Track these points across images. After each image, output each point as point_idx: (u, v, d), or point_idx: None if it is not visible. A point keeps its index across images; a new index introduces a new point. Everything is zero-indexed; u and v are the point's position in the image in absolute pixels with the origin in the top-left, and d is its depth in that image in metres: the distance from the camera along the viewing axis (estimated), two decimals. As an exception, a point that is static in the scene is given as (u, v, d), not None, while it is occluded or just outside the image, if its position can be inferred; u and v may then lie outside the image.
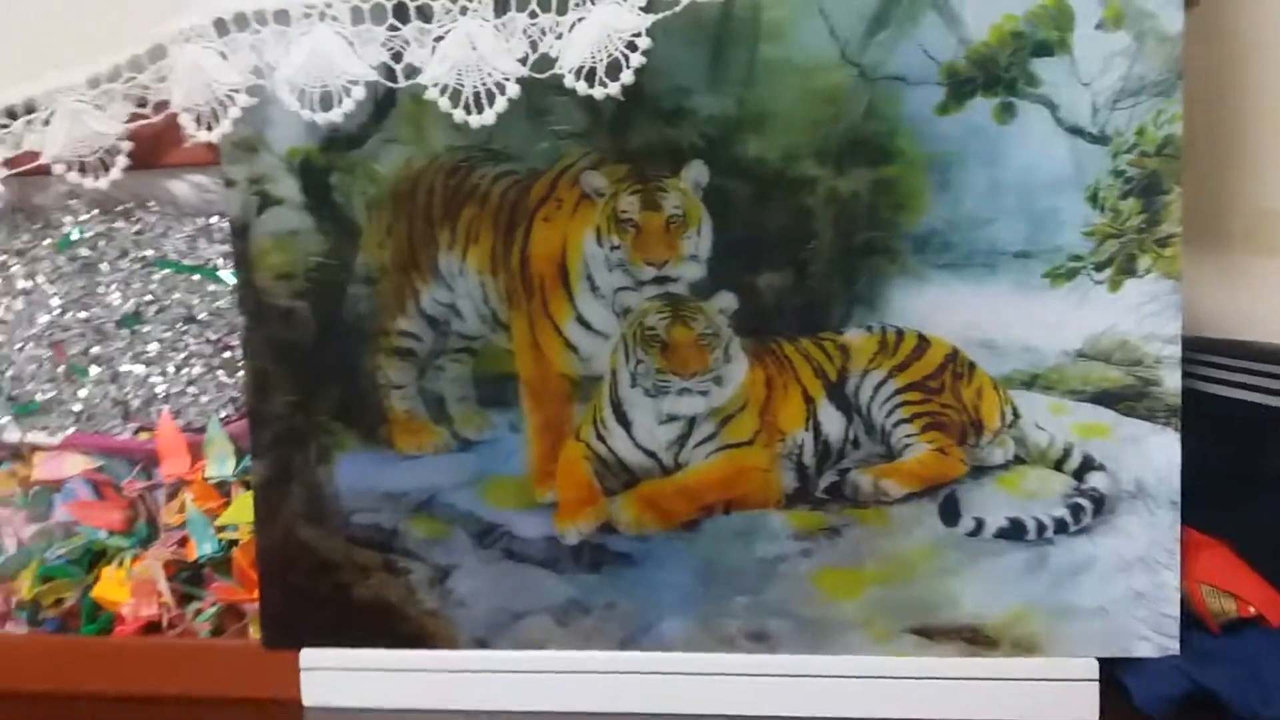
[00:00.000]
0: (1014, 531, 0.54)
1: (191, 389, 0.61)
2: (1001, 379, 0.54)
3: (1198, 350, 0.60)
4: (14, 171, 0.58)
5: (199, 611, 0.63)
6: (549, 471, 0.57)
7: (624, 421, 0.57)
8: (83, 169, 0.58)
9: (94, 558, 0.63)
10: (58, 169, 0.58)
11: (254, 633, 0.62)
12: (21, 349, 0.62)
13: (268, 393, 0.59)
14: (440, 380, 0.58)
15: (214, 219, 0.61)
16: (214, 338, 0.61)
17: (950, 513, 0.54)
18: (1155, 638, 0.53)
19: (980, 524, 0.54)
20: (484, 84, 0.53)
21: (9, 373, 0.63)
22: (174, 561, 0.62)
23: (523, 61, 0.52)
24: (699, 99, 0.54)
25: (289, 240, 0.58)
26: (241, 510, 0.61)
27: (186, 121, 0.56)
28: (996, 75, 0.52)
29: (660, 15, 0.50)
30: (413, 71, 0.54)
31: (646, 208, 0.55)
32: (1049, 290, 0.53)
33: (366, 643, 0.59)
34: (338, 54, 0.53)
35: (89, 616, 0.63)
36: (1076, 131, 0.52)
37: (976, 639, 0.55)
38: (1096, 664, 0.54)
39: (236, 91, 0.55)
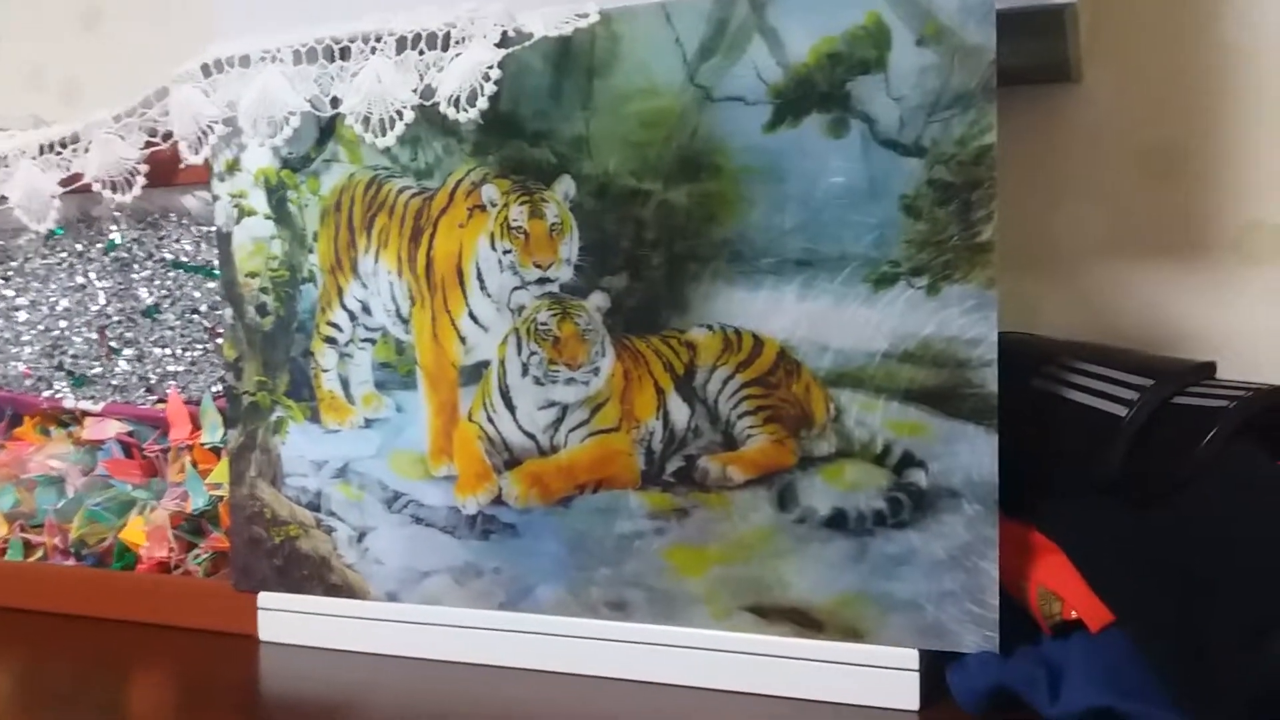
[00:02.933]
0: (836, 520, 0.57)
1: (194, 369, 0.74)
2: (828, 376, 0.57)
3: (1073, 356, 0.60)
4: (66, 190, 0.73)
5: (196, 556, 0.75)
6: (443, 448, 0.65)
7: (510, 406, 0.64)
8: (113, 186, 0.72)
9: (125, 506, 0.77)
10: (95, 187, 0.72)
11: (238, 576, 0.74)
12: (78, 333, 0.77)
13: (241, 373, 0.70)
14: (367, 367, 0.67)
15: (213, 228, 0.73)
16: (209, 326, 0.73)
17: (788, 499, 0.58)
18: (975, 633, 0.55)
19: (807, 512, 0.57)
20: (387, 112, 0.62)
21: (70, 352, 0.78)
22: (178, 513, 0.75)
23: (415, 91, 0.61)
24: (565, 121, 0.60)
25: (258, 245, 0.69)
26: (223, 471, 0.73)
27: (183, 147, 0.69)
28: (816, 94, 0.55)
29: (510, 50, 0.58)
30: (336, 102, 0.64)
31: (534, 216, 0.62)
32: (871, 294, 0.56)
33: (307, 589, 0.69)
34: (279, 89, 0.64)
35: (119, 556, 0.77)
36: (895, 145, 0.55)
37: (805, 621, 0.58)
38: (917, 654, 0.56)
39: (215, 123, 0.67)
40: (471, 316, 0.64)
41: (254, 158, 0.68)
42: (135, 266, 0.75)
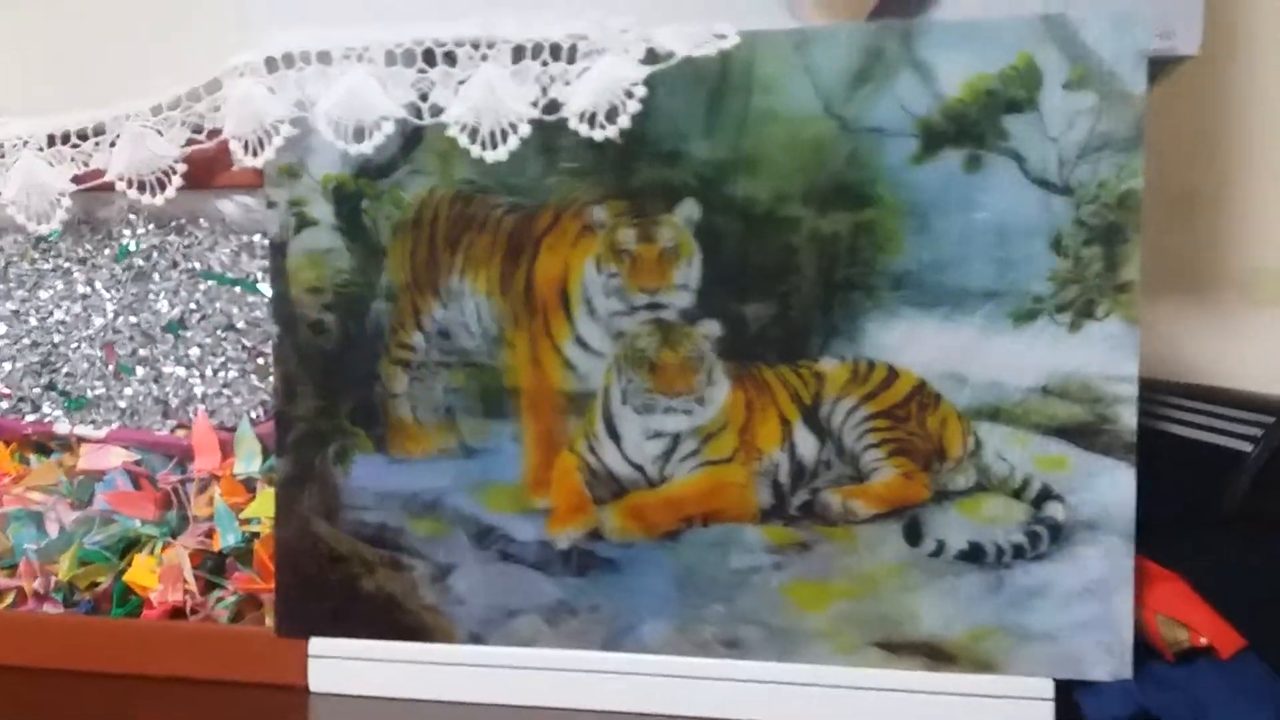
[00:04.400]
0: (973, 554, 0.57)
1: (226, 391, 0.67)
2: (966, 411, 0.57)
3: (1167, 393, 0.63)
4: (81, 188, 0.65)
5: (220, 599, 0.68)
6: (543, 479, 0.61)
7: (614, 435, 0.61)
8: (141, 186, 0.64)
9: (128, 545, 0.68)
10: (120, 186, 0.64)
11: (269, 621, 0.67)
12: (77, 349, 0.68)
13: (294, 397, 0.64)
14: (447, 392, 0.63)
15: (256, 237, 0.67)
16: (249, 345, 0.66)
17: (914, 534, 0.58)
18: (1109, 661, 0.56)
19: (941, 545, 0.57)
20: (499, 124, 0.58)
21: (64, 369, 0.69)
22: (200, 551, 0.67)
23: (534, 104, 0.58)
24: (694, 144, 0.59)
25: (321, 258, 0.63)
26: (264, 505, 0.66)
27: (235, 148, 0.62)
28: (968, 130, 0.56)
29: (657, 68, 0.56)
30: (437, 110, 0.59)
31: (643, 240, 0.60)
32: (1013, 330, 0.56)
33: (370, 634, 0.64)
34: (371, 92, 0.59)
35: (119, 600, 0.68)
36: (1042, 183, 0.56)
37: (937, 655, 0.58)
38: (1052, 684, 0.57)
39: (281, 123, 0.61)
40: (579, 341, 0.61)
41: (321, 162, 0.63)
42: (155, 276, 0.67)
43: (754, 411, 0.59)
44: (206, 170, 0.65)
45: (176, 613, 0.68)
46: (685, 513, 0.60)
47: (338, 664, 0.64)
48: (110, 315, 0.68)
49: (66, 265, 0.68)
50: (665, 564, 0.60)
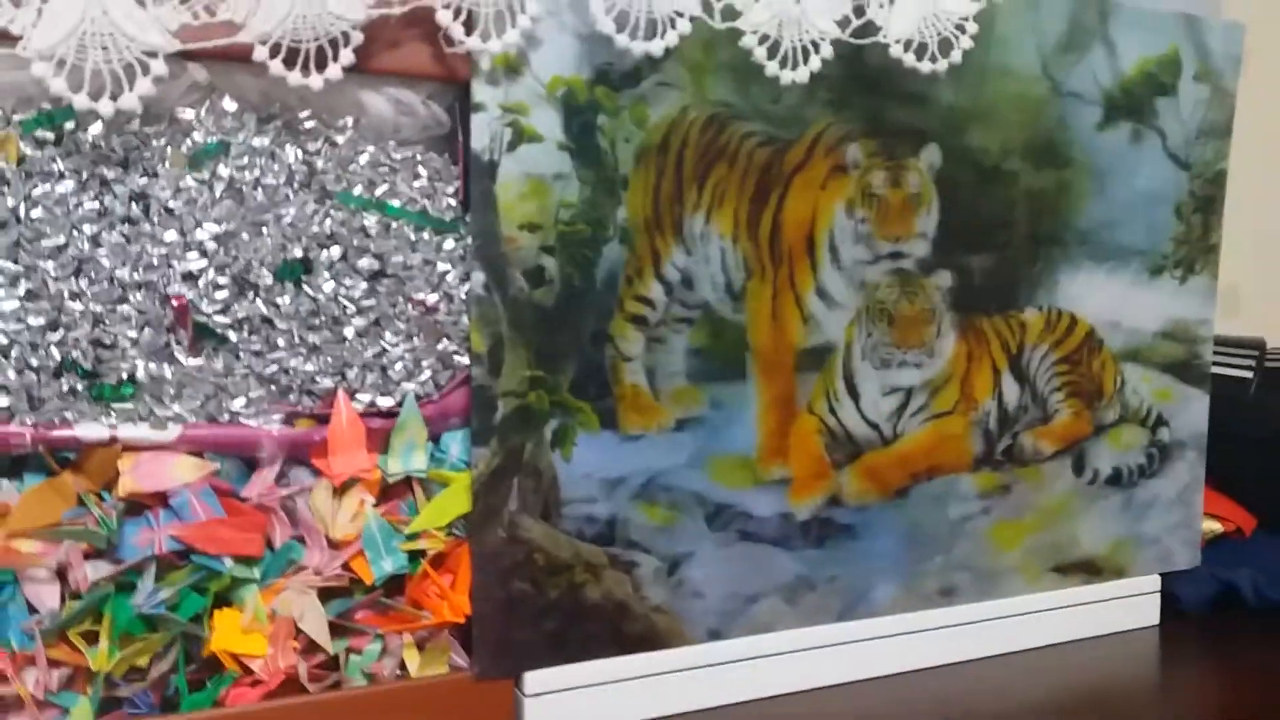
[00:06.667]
0: (1115, 478, 0.66)
1: (379, 361, 0.48)
2: (1117, 353, 0.65)
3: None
4: (189, 46, 0.41)
5: (351, 651, 0.49)
6: (778, 447, 0.55)
7: (854, 394, 0.57)
8: (290, 60, 0.43)
9: (200, 598, 0.46)
10: (260, 54, 0.42)
11: (415, 670, 0.50)
12: (115, 305, 0.43)
13: (500, 366, 0.49)
14: (684, 354, 0.53)
15: (420, 149, 0.48)
16: (419, 297, 0.48)
17: (1080, 465, 0.64)
18: (1188, 553, 0.69)
19: (1096, 473, 0.65)
20: (802, 39, 0.51)
21: (81, 335, 0.43)
22: (325, 590, 0.48)
23: (840, 24, 0.51)
24: (938, 88, 0.57)
25: (543, 184, 0.49)
26: (439, 513, 0.49)
27: (447, 21, 0.45)
28: (1134, 104, 0.63)
29: (983, 5, 0.53)
30: (732, 14, 0.49)
31: (894, 184, 0.56)
32: (1149, 282, 0.65)
33: (593, 652, 0.52)
34: (666, -21, 0.47)
35: (191, 682, 0.46)
36: (1174, 158, 0.65)
37: (1092, 569, 0.65)
38: (1159, 579, 0.68)
39: (524, -3, 0.46)
40: (820, 292, 0.56)
41: (548, 59, 0.48)
42: (257, 196, 0.45)
43: (972, 362, 0.60)
44: (368, 47, 0.45)
45: (290, 683, 0.48)
46: (915, 468, 0.59)
47: (557, 700, 0.51)
48: (175, 252, 0.44)
49: (91, 171, 0.42)
50: (895, 523, 0.59)
